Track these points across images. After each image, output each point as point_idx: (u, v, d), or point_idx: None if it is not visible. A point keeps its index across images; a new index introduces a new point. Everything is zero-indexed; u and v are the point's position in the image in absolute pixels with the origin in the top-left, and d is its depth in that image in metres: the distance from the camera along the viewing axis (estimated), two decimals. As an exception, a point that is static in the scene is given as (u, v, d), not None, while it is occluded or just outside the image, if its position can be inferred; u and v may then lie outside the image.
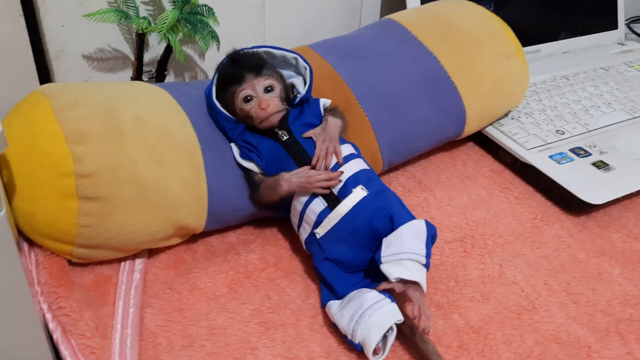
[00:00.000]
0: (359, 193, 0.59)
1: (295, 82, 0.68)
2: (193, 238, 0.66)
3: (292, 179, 0.60)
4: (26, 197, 0.54)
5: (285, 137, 0.63)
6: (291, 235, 0.68)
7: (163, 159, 0.58)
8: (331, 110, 0.66)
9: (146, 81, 0.80)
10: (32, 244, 0.58)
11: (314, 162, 0.61)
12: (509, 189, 0.78)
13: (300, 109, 0.66)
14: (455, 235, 0.70)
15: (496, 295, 0.63)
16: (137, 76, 0.78)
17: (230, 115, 0.64)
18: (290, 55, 0.68)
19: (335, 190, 0.60)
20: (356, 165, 0.62)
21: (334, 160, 0.62)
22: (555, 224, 0.73)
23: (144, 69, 0.78)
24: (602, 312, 0.62)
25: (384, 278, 0.58)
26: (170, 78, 0.82)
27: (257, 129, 0.64)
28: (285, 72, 0.69)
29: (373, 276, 0.60)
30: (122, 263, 0.61)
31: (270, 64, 0.65)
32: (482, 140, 0.85)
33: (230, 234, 0.68)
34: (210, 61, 0.85)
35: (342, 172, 0.60)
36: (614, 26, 1.14)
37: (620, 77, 1.01)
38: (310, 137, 0.63)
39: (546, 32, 1.06)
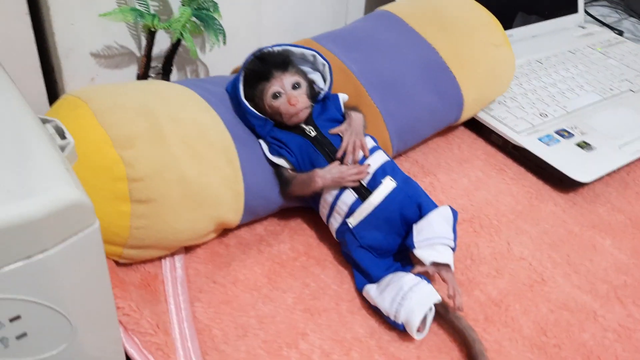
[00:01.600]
0: (388, 184, 0.63)
1: (314, 78, 0.71)
2: (224, 232, 0.68)
3: (326, 175, 0.63)
4: (79, 203, 0.55)
5: (313, 133, 0.66)
6: (316, 224, 0.71)
7: (204, 158, 0.60)
8: (351, 107, 0.69)
9: (154, 77, 0.80)
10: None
11: (339, 154, 0.64)
12: (504, 170, 0.84)
13: (323, 104, 0.69)
14: (464, 217, 0.76)
15: (509, 270, 0.69)
16: (145, 72, 0.78)
17: (259, 113, 0.66)
18: (308, 52, 0.70)
19: (365, 182, 0.64)
20: (380, 157, 0.66)
21: (360, 154, 0.65)
22: (549, 201, 0.80)
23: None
24: (601, 280, 0.69)
25: (411, 260, 0.64)
26: (174, 72, 0.82)
27: (285, 125, 0.67)
28: (304, 69, 0.72)
29: (402, 259, 0.65)
30: (163, 260, 0.63)
31: (294, 61, 0.68)
32: (473, 124, 0.91)
33: (258, 226, 0.71)
34: (213, 54, 0.86)
35: (369, 165, 0.64)
36: (575, 10, 1.22)
37: (587, 60, 1.09)
38: (338, 134, 0.66)
39: (516, 18, 1.12)
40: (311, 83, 0.69)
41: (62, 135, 0.48)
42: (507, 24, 1.09)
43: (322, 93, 0.68)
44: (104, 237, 0.56)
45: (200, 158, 0.60)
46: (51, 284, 0.41)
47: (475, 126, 0.91)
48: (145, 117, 0.59)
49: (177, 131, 0.60)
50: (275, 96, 0.65)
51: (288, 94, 0.65)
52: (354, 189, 0.64)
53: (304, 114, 0.66)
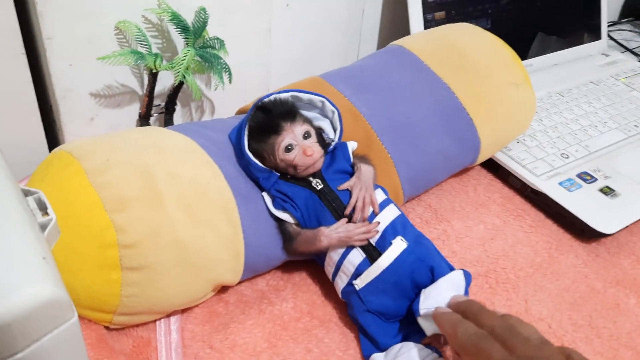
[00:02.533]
0: (399, 245, 0.60)
1: (322, 125, 0.67)
2: (223, 288, 0.65)
3: (332, 234, 0.59)
4: (66, 270, 0.51)
5: (320, 186, 0.62)
6: (320, 279, 0.67)
7: (201, 218, 0.57)
8: (360, 157, 0.66)
9: (156, 115, 0.77)
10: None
11: (348, 211, 0.61)
12: (521, 217, 0.80)
13: (331, 155, 0.65)
14: (479, 270, 0.71)
15: (526, 333, 0.65)
16: (147, 112, 0.75)
17: (264, 166, 0.62)
18: (316, 98, 0.66)
19: (373, 241, 0.60)
20: (391, 213, 0.62)
21: (369, 210, 0.61)
22: (570, 252, 0.75)
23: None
24: (625, 346, 0.64)
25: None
26: (178, 110, 0.79)
27: (291, 177, 0.63)
28: (311, 115, 0.68)
29: (413, 323, 0.61)
30: (158, 322, 0.60)
31: (300, 109, 0.64)
32: (489, 164, 0.87)
33: (260, 280, 0.67)
34: (219, 91, 0.82)
35: (379, 223, 0.60)
36: (598, 36, 1.17)
37: (610, 92, 1.04)
38: (347, 189, 0.62)
39: (536, 46, 1.07)
40: (319, 131, 0.66)
41: (45, 209, 0.45)
42: (525, 51, 1.04)
43: (333, 144, 0.65)
44: (92, 305, 0.54)
45: (198, 219, 0.57)
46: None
47: (492, 166, 0.87)
48: (140, 175, 0.55)
49: (174, 190, 0.56)
50: (288, 149, 0.61)
51: (302, 145, 0.61)
52: (362, 248, 0.60)
53: (319, 164, 0.62)
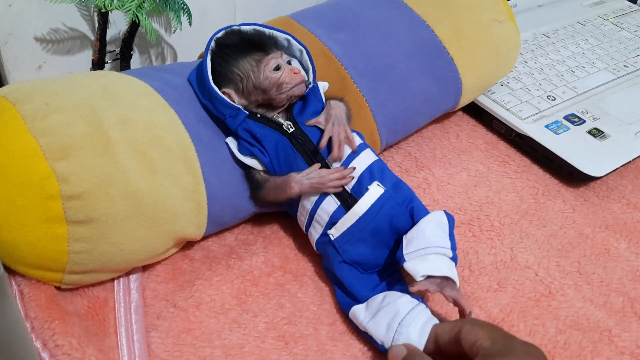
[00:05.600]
0: (375, 190, 0.55)
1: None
2: (189, 244, 0.60)
3: (303, 180, 0.55)
4: (6, 226, 0.46)
5: (291, 130, 0.57)
6: (294, 232, 0.63)
7: (157, 166, 0.52)
8: (334, 98, 0.60)
9: (110, 62, 0.71)
10: (12, 271, 0.51)
11: (321, 147, 0.56)
12: (506, 162, 0.76)
13: (302, 101, 0.60)
14: (462, 218, 0.67)
15: (512, 282, 0.61)
16: (100, 58, 0.69)
17: (232, 102, 0.57)
18: (281, 35, 0.61)
19: (348, 188, 0.55)
20: (367, 158, 0.58)
21: (347, 150, 0.57)
22: (557, 198, 0.71)
23: (107, 49, 0.69)
24: (615, 291, 0.61)
25: (400, 274, 0.56)
26: (135, 57, 0.73)
27: (261, 117, 0.57)
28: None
29: (392, 274, 0.57)
30: (116, 281, 0.55)
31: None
32: (472, 109, 0.82)
33: (228, 234, 0.63)
34: (179, 35, 0.76)
35: (354, 168, 0.56)
36: (585, -25, 1.11)
37: (598, 32, 0.99)
38: (316, 126, 0.57)
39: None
40: None
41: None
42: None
43: (310, 85, 0.59)
44: (38, 264, 0.49)
45: (153, 167, 0.51)
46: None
47: (474, 111, 0.82)
48: (86, 119, 0.50)
49: (125, 136, 0.51)
50: (277, 68, 0.57)
51: (287, 67, 0.57)
52: (336, 195, 0.55)
53: (303, 89, 0.58)
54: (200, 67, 0.58)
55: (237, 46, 0.57)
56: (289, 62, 0.59)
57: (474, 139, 0.79)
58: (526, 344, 0.44)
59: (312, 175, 0.55)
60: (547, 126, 0.77)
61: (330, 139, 0.56)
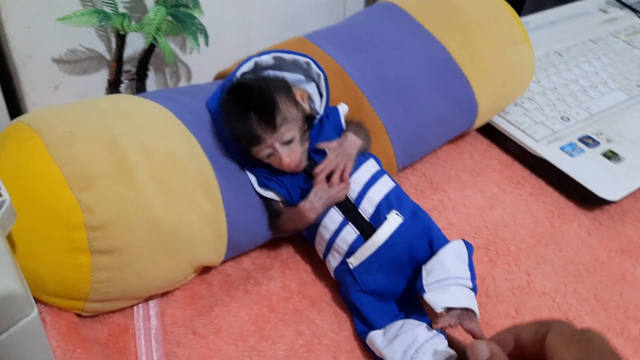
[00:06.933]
0: (394, 220, 0.55)
1: (308, 89, 0.62)
2: (206, 268, 0.60)
3: (314, 204, 0.55)
4: (30, 256, 0.46)
5: (305, 163, 0.57)
6: (310, 256, 0.63)
7: (178, 194, 0.52)
8: (354, 124, 0.60)
9: (127, 83, 0.71)
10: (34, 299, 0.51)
11: (316, 172, 0.55)
12: (521, 184, 0.75)
13: (319, 125, 0.60)
14: (478, 242, 0.67)
15: (529, 308, 0.61)
16: (116, 78, 0.69)
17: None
18: (302, 59, 0.61)
19: (367, 217, 0.55)
20: (385, 185, 0.57)
21: (366, 175, 0.57)
22: (572, 221, 0.71)
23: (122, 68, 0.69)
24: (632, 318, 0.61)
25: (422, 306, 0.56)
26: (150, 76, 0.73)
27: None
28: (294, 77, 0.62)
29: (410, 303, 0.57)
30: (135, 308, 0.55)
31: (281, 104, 0.55)
32: (486, 129, 0.82)
33: (245, 258, 0.63)
34: (194, 54, 0.76)
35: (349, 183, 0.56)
36: (595, -8, 1.11)
37: (610, 51, 0.99)
38: (324, 149, 0.57)
39: (529, 2, 1.02)
40: (303, 113, 0.58)
41: (-3, 189, 0.39)
42: (522, 11, 0.99)
43: (318, 116, 0.59)
44: (60, 293, 0.48)
45: (174, 195, 0.51)
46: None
47: (489, 131, 0.82)
48: (108, 148, 0.50)
49: (147, 164, 0.51)
50: (269, 156, 0.56)
51: (280, 155, 0.54)
52: (355, 224, 0.55)
53: (301, 165, 0.56)
54: (217, 106, 0.58)
55: (236, 128, 0.55)
56: (287, 140, 0.55)
57: (488, 160, 0.79)
58: None
59: (320, 195, 0.55)
60: (562, 148, 0.77)
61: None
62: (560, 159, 0.75)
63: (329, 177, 0.56)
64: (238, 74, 0.58)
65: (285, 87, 0.57)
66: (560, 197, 0.74)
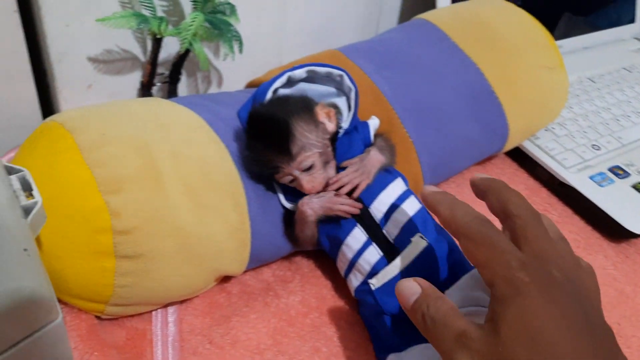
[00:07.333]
0: (418, 243, 0.54)
1: (337, 103, 0.61)
2: (226, 277, 0.60)
3: (312, 199, 0.55)
4: (54, 256, 0.46)
5: None
6: (331, 271, 0.62)
7: (206, 203, 0.51)
8: (381, 138, 0.60)
9: (159, 85, 0.71)
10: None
11: (331, 181, 0.55)
12: (548, 211, 0.74)
13: (349, 138, 0.59)
14: (501, 268, 0.66)
15: (551, 340, 0.60)
16: (149, 80, 0.69)
17: None
18: (335, 72, 0.60)
19: (392, 238, 0.55)
20: (411, 207, 0.57)
21: (393, 195, 0.56)
22: (598, 252, 0.70)
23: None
24: (656, 357, 0.60)
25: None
26: (183, 80, 0.73)
27: None
28: (326, 89, 0.62)
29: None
30: (154, 313, 0.55)
31: (297, 132, 0.54)
32: (515, 152, 0.81)
33: (265, 269, 0.62)
34: (228, 62, 0.76)
35: (362, 206, 0.55)
36: (632, 19, 1.10)
37: (644, 80, 0.97)
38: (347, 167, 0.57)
39: (567, 27, 1.01)
40: (326, 133, 0.57)
41: (30, 190, 0.39)
42: (557, 35, 0.98)
43: (342, 131, 0.59)
44: (82, 295, 0.49)
45: (202, 203, 0.51)
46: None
47: (517, 155, 0.81)
48: (139, 152, 0.50)
49: (176, 170, 0.51)
50: (291, 182, 0.56)
51: (301, 181, 0.54)
52: (379, 245, 0.55)
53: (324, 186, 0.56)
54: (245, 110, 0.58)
55: (256, 158, 0.55)
56: (307, 167, 0.54)
57: (516, 184, 0.78)
58: (543, 264, 0.38)
59: (323, 195, 0.55)
60: (591, 177, 0.76)
61: None
62: (589, 188, 0.74)
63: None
64: (271, 89, 0.58)
65: (306, 108, 0.56)
66: (587, 227, 0.73)
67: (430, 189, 0.46)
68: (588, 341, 0.34)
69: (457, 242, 0.43)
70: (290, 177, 0.55)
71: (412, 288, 0.41)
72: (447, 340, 0.37)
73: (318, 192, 0.56)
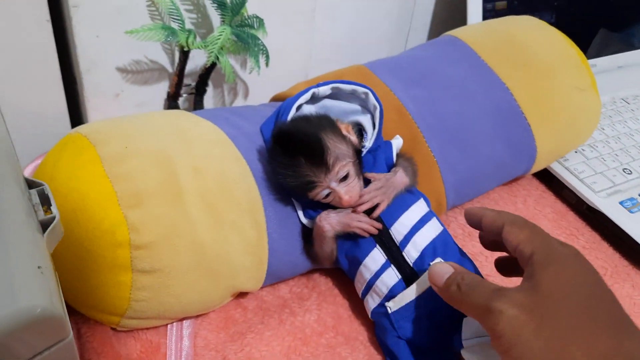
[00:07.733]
0: (439, 268, 0.53)
1: (361, 121, 0.61)
2: (242, 292, 0.60)
3: (330, 214, 0.55)
4: (72, 267, 0.47)
5: None
6: (349, 290, 0.62)
7: (224, 219, 0.51)
8: (404, 159, 0.59)
9: (185, 97, 0.72)
10: (73, 311, 0.51)
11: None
12: (575, 236, 0.72)
13: (373, 156, 0.59)
14: (523, 294, 0.65)
15: (572, 371, 0.58)
16: (176, 91, 0.70)
17: None
18: (361, 89, 0.60)
19: (411, 262, 0.54)
20: (432, 229, 0.56)
21: (414, 218, 0.56)
22: (626, 281, 0.68)
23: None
24: (683, 395, 0.57)
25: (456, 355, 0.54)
26: (209, 91, 0.73)
27: None
28: (350, 107, 0.62)
29: (448, 353, 0.55)
30: (169, 327, 0.55)
31: (329, 142, 0.53)
32: (543, 174, 0.79)
33: (282, 286, 0.62)
34: (253, 75, 0.76)
35: (381, 226, 0.55)
36: (670, 38, 1.07)
37: (681, 103, 0.94)
38: (369, 179, 0.56)
39: (601, 45, 0.98)
40: (353, 146, 0.56)
41: (49, 204, 0.40)
42: (590, 53, 0.95)
43: (364, 150, 0.58)
44: (98, 307, 0.49)
45: (220, 220, 0.51)
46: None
47: (545, 177, 0.79)
48: (160, 166, 0.50)
49: (196, 186, 0.51)
50: (327, 196, 0.55)
51: (339, 193, 0.53)
52: (398, 268, 0.54)
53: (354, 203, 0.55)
54: (269, 135, 0.57)
55: (285, 168, 0.53)
56: (343, 177, 0.54)
57: (542, 207, 0.76)
58: (564, 245, 0.46)
59: (342, 212, 0.55)
60: (621, 203, 0.73)
61: None
62: (618, 213, 0.72)
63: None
64: (295, 105, 0.58)
65: (330, 123, 0.56)
66: (615, 254, 0.71)
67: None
68: (612, 299, 0.44)
69: (501, 232, 0.48)
70: (327, 191, 0.54)
71: (445, 268, 0.48)
72: (485, 295, 0.43)
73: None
